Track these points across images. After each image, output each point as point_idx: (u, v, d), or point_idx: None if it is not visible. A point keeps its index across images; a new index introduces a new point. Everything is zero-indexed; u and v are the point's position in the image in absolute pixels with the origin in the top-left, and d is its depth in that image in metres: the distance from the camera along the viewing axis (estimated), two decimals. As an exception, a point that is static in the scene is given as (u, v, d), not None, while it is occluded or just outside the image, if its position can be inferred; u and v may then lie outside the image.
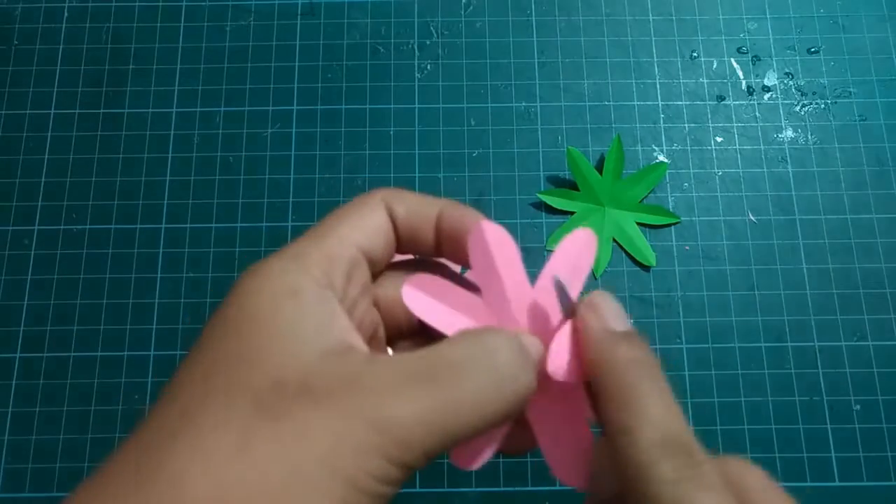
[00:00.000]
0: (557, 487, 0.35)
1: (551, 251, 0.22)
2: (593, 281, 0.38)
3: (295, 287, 0.18)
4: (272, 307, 0.18)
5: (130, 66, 0.42)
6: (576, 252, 0.21)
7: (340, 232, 0.20)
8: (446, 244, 0.21)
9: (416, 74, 0.41)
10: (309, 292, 0.18)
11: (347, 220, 0.20)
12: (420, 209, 0.21)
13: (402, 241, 0.22)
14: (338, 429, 0.16)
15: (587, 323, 0.19)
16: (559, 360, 0.19)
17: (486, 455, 0.20)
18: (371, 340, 0.21)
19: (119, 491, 0.16)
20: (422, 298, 0.20)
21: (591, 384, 0.19)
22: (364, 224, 0.20)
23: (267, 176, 0.40)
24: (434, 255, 0.22)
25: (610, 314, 0.19)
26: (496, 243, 0.20)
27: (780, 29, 0.42)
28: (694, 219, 0.39)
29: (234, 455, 0.16)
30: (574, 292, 0.20)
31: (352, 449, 0.16)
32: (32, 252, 0.38)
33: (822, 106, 0.41)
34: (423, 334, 0.22)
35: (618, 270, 0.38)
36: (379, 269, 0.21)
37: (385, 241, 0.21)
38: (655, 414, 0.17)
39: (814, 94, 0.41)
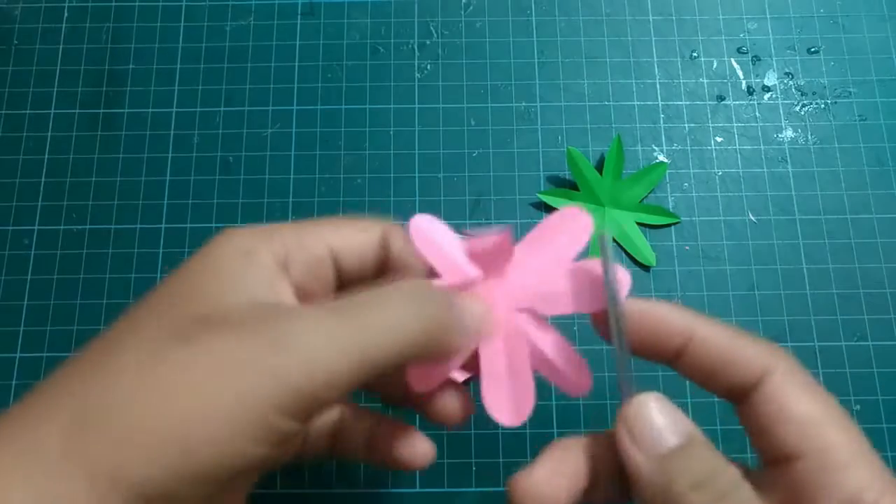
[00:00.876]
0: (557, 487, 0.35)
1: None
2: (593, 281, 0.38)
3: (250, 249, 0.19)
4: (223, 261, 0.19)
5: (130, 66, 0.42)
6: (567, 231, 0.22)
7: (320, 229, 0.21)
8: None
9: (416, 74, 0.41)
10: (260, 256, 0.19)
11: (333, 224, 0.21)
12: (410, 260, 0.22)
13: (390, 270, 0.22)
14: (245, 353, 0.16)
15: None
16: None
17: (438, 380, 0.21)
18: None
19: (38, 401, 0.17)
20: (422, 234, 0.22)
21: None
22: (346, 233, 0.21)
23: (267, 176, 0.40)
24: None
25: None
26: (430, 228, 0.22)
27: (780, 29, 0.42)
28: (694, 219, 0.39)
29: (140, 373, 0.16)
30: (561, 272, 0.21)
31: (259, 381, 0.16)
32: (32, 252, 0.38)
33: (822, 106, 0.41)
34: None
35: (618, 270, 0.38)
36: (348, 282, 0.21)
37: (362, 259, 0.21)
38: None
39: (814, 94, 0.41)
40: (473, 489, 0.35)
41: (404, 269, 0.21)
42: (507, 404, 0.21)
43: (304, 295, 0.20)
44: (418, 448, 0.22)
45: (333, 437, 0.23)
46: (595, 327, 0.21)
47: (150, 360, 0.16)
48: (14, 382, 0.36)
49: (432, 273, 0.22)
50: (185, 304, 0.18)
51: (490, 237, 0.21)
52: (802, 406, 0.18)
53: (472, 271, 0.22)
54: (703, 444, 0.18)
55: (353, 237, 0.21)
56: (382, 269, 0.22)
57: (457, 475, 0.35)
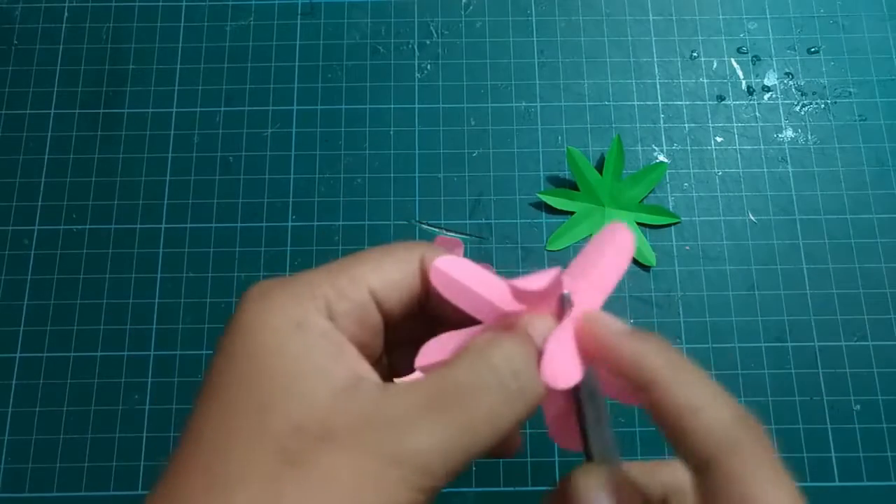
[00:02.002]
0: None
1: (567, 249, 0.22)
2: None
3: (299, 319, 0.18)
4: (277, 343, 0.18)
5: (130, 66, 0.42)
6: (610, 249, 0.21)
7: (354, 271, 0.19)
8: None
9: (416, 74, 0.41)
10: (313, 325, 0.18)
11: (368, 262, 0.20)
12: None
13: (433, 298, 0.21)
14: (362, 468, 0.16)
15: (596, 329, 0.19)
16: (554, 366, 0.19)
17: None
18: (375, 363, 0.21)
19: None
20: (450, 279, 0.20)
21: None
22: (384, 270, 0.20)
23: (267, 176, 0.40)
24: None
25: (611, 321, 0.19)
26: (457, 270, 0.20)
27: (780, 29, 0.42)
28: (694, 219, 0.39)
29: None
30: (600, 296, 0.20)
31: (377, 485, 0.16)
32: (32, 252, 0.38)
33: (822, 106, 0.41)
34: (418, 338, 0.22)
35: (618, 270, 0.38)
36: (394, 321, 0.20)
37: (404, 295, 0.20)
38: (719, 392, 0.18)
39: (814, 94, 0.41)
40: (473, 489, 0.35)
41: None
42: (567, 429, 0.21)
43: (358, 346, 0.19)
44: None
45: None
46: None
47: (271, 493, 0.16)
48: (14, 382, 0.36)
49: (467, 318, 0.21)
50: (271, 415, 0.17)
51: (540, 277, 0.19)
52: (766, 496, 0.16)
53: (514, 306, 0.20)
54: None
55: (392, 274, 0.20)
56: (426, 298, 0.21)
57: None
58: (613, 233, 0.21)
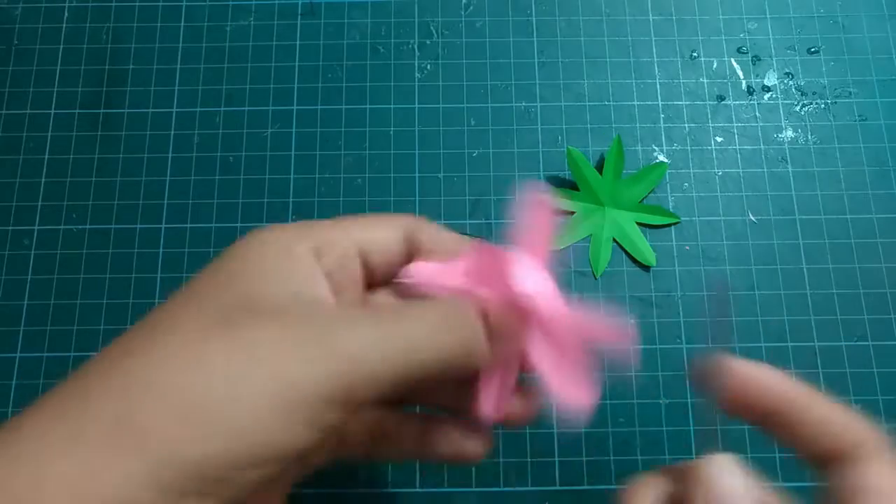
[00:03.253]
0: (557, 487, 0.35)
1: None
2: (594, 281, 0.38)
3: (288, 247, 0.19)
4: (263, 256, 0.19)
5: (130, 66, 0.42)
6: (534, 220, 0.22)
7: (347, 226, 0.21)
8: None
9: (416, 74, 0.41)
10: (300, 252, 0.19)
11: (357, 222, 0.22)
12: (445, 243, 0.22)
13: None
14: (292, 348, 0.17)
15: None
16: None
17: (505, 402, 0.22)
18: None
19: (86, 382, 0.17)
20: (423, 274, 0.22)
21: None
22: (371, 230, 0.22)
23: (267, 176, 0.40)
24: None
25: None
26: (425, 276, 0.22)
27: (780, 29, 0.42)
28: (694, 219, 0.39)
29: (187, 357, 0.16)
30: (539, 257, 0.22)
31: (305, 367, 0.16)
32: (32, 252, 0.38)
33: (822, 106, 0.41)
34: None
35: (618, 270, 0.38)
36: (374, 280, 0.22)
37: (386, 255, 0.22)
38: None
39: (814, 94, 0.41)
40: (473, 489, 0.35)
41: (435, 255, 0.22)
42: (574, 387, 0.21)
43: (336, 290, 0.21)
44: (481, 441, 0.23)
45: (369, 440, 0.24)
46: (694, 380, 0.22)
47: (196, 343, 0.17)
48: (14, 382, 0.36)
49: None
50: (228, 293, 0.18)
51: (465, 258, 0.21)
52: (887, 485, 0.18)
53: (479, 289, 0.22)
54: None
55: (379, 234, 0.22)
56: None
57: (457, 475, 0.35)
58: (530, 199, 0.23)
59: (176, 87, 0.41)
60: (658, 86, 0.41)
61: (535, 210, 0.22)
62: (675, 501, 0.20)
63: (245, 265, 0.19)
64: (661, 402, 0.36)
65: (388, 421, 0.24)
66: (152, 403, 0.16)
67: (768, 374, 0.21)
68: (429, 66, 0.42)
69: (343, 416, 0.17)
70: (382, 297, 0.23)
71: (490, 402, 0.22)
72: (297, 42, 0.42)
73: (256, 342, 0.17)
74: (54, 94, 0.41)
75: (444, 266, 0.22)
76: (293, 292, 0.18)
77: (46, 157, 0.40)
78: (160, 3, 0.43)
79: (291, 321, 0.17)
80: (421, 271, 0.22)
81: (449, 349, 0.19)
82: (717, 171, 0.40)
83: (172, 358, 0.16)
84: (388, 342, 0.18)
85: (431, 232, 0.22)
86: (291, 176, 0.40)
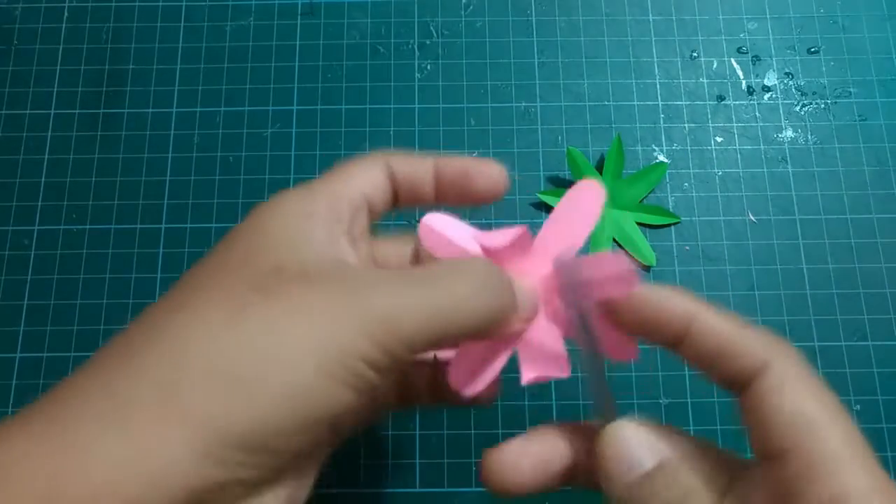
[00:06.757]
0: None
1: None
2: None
3: (308, 210, 0.20)
4: (286, 220, 0.19)
5: (130, 66, 0.42)
6: (581, 205, 0.22)
7: (345, 177, 0.22)
8: (449, 189, 0.23)
9: (416, 74, 0.41)
10: (319, 216, 0.20)
11: (350, 171, 0.22)
12: (417, 165, 0.23)
13: (402, 195, 0.23)
14: (330, 309, 0.17)
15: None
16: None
17: (487, 380, 0.21)
18: None
19: (127, 352, 0.16)
20: (435, 233, 0.22)
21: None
22: (365, 175, 0.22)
23: (267, 176, 0.40)
24: (433, 204, 0.24)
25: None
26: (443, 226, 0.22)
27: (780, 29, 0.42)
28: (694, 219, 0.39)
29: (226, 324, 0.16)
30: (575, 247, 0.22)
31: (342, 328, 0.17)
32: (32, 252, 0.38)
33: (822, 106, 0.41)
34: None
35: (618, 270, 0.38)
36: (376, 220, 0.23)
37: (383, 193, 0.22)
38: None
39: (814, 94, 0.41)
40: (473, 489, 0.35)
41: (415, 194, 0.23)
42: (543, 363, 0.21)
43: (352, 243, 0.21)
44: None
45: (398, 390, 0.24)
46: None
47: (234, 312, 0.16)
48: (14, 382, 0.36)
49: None
50: (257, 259, 0.18)
51: (507, 233, 0.21)
52: (797, 402, 0.18)
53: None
54: (677, 468, 0.19)
55: (375, 178, 0.22)
56: (395, 202, 0.23)
57: (457, 475, 0.35)
58: (582, 188, 0.23)
59: (176, 87, 0.41)
60: (658, 86, 0.41)
61: (584, 193, 0.22)
62: (575, 462, 0.20)
63: (267, 238, 0.19)
64: (661, 402, 0.36)
65: (408, 368, 0.24)
66: (196, 374, 0.16)
67: (666, 293, 0.20)
68: (429, 66, 0.42)
69: (379, 376, 0.17)
70: (386, 248, 0.24)
71: (461, 374, 0.21)
72: (297, 42, 0.42)
73: (294, 307, 0.17)
74: (54, 94, 0.41)
75: (462, 226, 0.22)
76: (320, 256, 0.18)
77: (46, 157, 0.40)
78: (160, 3, 0.43)
79: (324, 285, 0.17)
80: (438, 223, 0.22)
81: (486, 311, 0.19)
82: (717, 171, 0.40)
83: (211, 329, 0.16)
84: (422, 301, 0.18)
85: (401, 162, 0.23)
86: (291, 176, 0.40)
